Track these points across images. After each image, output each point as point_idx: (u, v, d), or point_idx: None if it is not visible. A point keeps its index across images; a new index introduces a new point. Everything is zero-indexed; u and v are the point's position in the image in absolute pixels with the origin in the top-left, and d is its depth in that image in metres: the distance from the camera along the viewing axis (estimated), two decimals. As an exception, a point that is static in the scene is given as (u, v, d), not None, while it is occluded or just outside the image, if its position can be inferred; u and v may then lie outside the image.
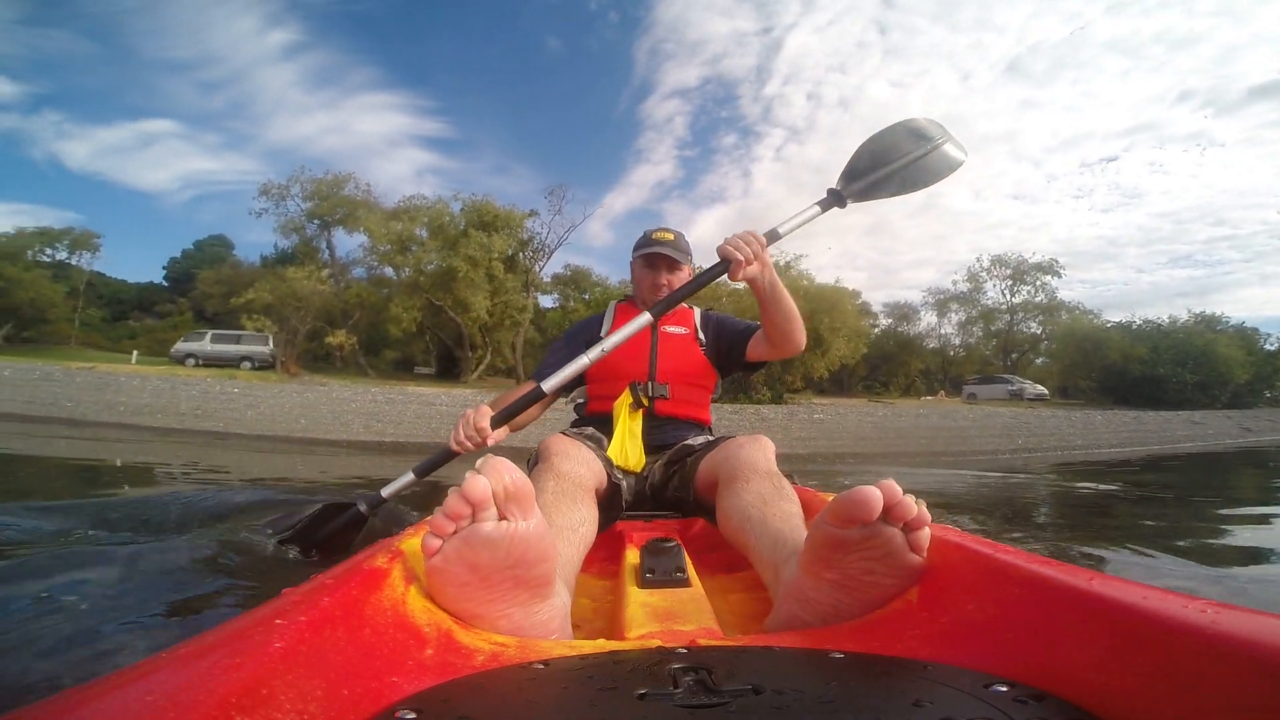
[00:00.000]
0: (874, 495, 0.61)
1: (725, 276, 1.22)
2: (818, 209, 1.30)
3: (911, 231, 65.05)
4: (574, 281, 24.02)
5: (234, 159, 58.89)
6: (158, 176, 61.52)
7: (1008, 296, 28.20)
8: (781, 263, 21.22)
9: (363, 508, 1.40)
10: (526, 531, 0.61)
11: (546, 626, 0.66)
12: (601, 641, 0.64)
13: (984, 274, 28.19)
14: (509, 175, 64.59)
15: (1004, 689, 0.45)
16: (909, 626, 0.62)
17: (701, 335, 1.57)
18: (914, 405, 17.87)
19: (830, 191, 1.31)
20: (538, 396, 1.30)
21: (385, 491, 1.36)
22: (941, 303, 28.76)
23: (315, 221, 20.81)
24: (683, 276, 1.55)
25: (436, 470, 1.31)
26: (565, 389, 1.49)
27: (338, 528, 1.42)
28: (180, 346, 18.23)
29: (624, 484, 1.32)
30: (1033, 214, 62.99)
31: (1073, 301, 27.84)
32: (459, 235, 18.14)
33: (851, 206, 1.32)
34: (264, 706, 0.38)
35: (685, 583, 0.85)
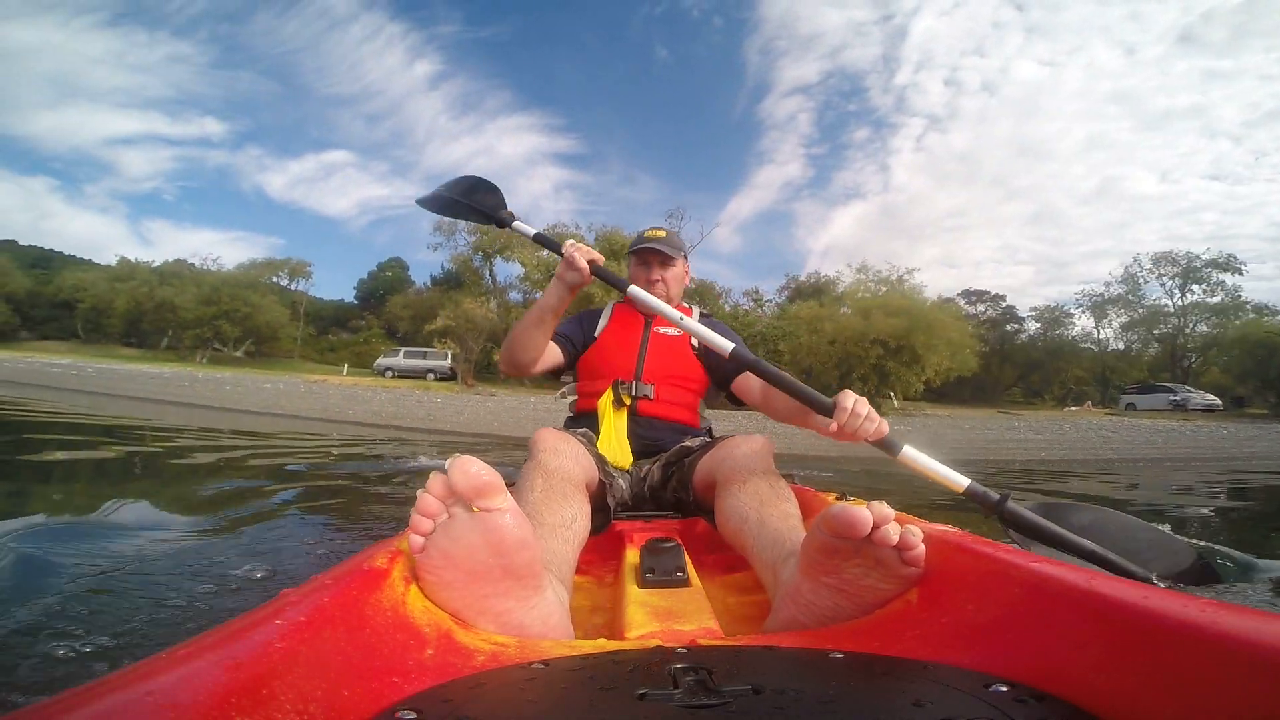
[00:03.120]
0: (863, 517, 0.62)
1: (818, 421, 1.05)
2: (960, 486, 1.02)
3: (1085, 220, 59.59)
4: (698, 294, 25.70)
5: (400, 184, 64.08)
6: (340, 203, 67.75)
7: (1176, 297, 25.14)
8: (893, 278, 21.32)
9: (502, 212, 1.49)
10: (500, 518, 0.61)
11: (546, 622, 0.66)
12: (601, 641, 0.64)
13: (1143, 274, 25.50)
14: (635, 185, 66.65)
15: (1004, 689, 0.45)
16: (909, 627, 0.62)
17: (696, 339, 1.55)
18: (1043, 416, 17.03)
19: (1000, 497, 1.03)
20: (615, 281, 1.35)
21: (515, 223, 1.48)
22: (1097, 305, 26.07)
23: (479, 254, 25.68)
24: (676, 272, 1.58)
25: (544, 246, 1.39)
26: (566, 361, 1.53)
27: (474, 206, 1.51)
28: (381, 361, 22.65)
29: (617, 482, 1.32)
30: (1239, 194, 56.09)
31: (1263, 301, 24.16)
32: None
33: (997, 520, 1.04)
34: (264, 706, 0.38)
35: (685, 583, 0.85)
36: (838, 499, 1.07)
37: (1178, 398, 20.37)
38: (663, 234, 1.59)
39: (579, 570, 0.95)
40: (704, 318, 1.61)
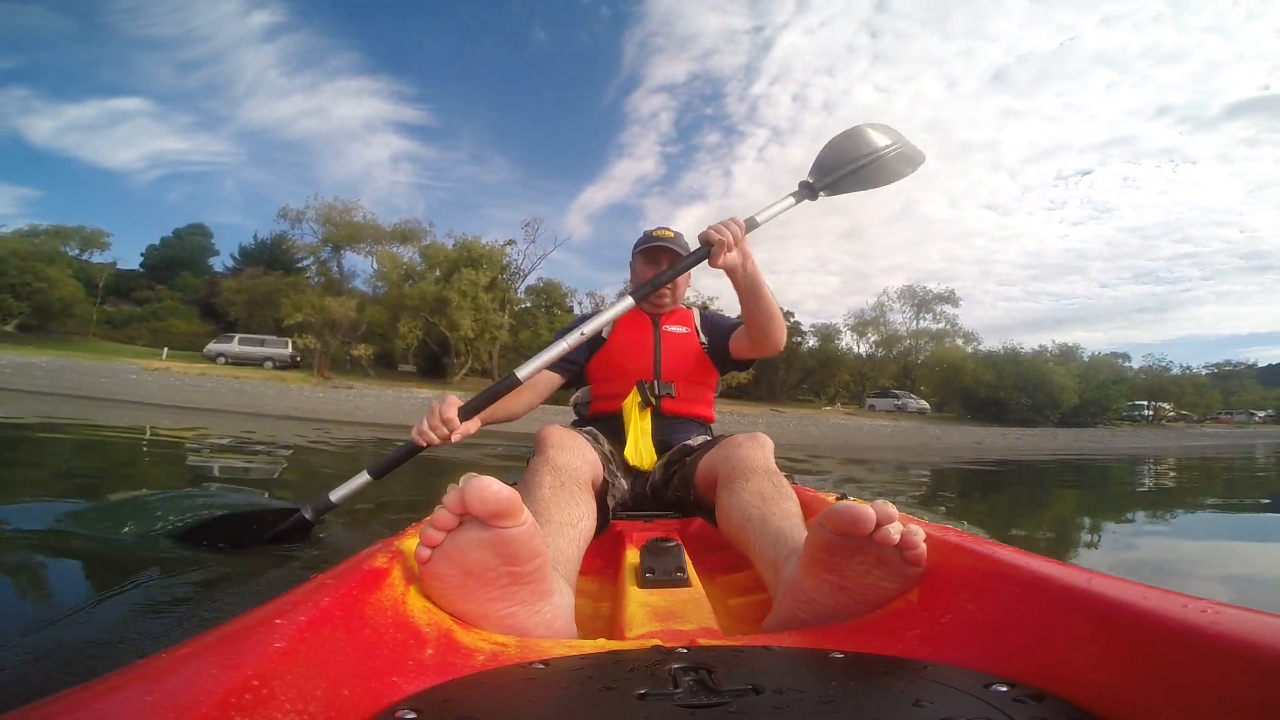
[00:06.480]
0: (866, 515, 0.62)
1: (706, 263, 1.27)
2: (792, 199, 1.37)
3: (887, 237, 66.00)
4: (545, 292, 27.98)
5: (205, 139, 57.85)
6: (123, 155, 60.82)
7: (910, 323, 33.80)
8: (699, 302, 25.91)
9: (308, 514, 1.32)
10: (515, 533, 0.61)
11: (551, 626, 0.66)
12: (601, 641, 0.64)
13: (891, 304, 33.96)
14: (485, 165, 65.01)
15: (1004, 689, 0.45)
16: (909, 626, 0.62)
17: (702, 335, 1.58)
18: (800, 413, 22.24)
19: (803, 184, 1.38)
20: (512, 384, 1.21)
21: (335, 496, 1.27)
22: (859, 326, 33.86)
23: (328, 245, 25.78)
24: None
25: (397, 468, 1.21)
26: (570, 379, 1.55)
27: (278, 533, 1.35)
28: (212, 347, 21.48)
29: (619, 481, 1.32)
30: (1005, 224, 66.03)
31: (969, 329, 33.98)
32: (451, 268, 23.10)
33: (823, 200, 1.40)
34: (264, 706, 0.37)
35: (685, 582, 0.85)
36: (838, 498, 1.07)
37: (900, 402, 27.52)
38: (671, 234, 1.60)
39: (579, 570, 0.95)
40: (704, 312, 1.64)
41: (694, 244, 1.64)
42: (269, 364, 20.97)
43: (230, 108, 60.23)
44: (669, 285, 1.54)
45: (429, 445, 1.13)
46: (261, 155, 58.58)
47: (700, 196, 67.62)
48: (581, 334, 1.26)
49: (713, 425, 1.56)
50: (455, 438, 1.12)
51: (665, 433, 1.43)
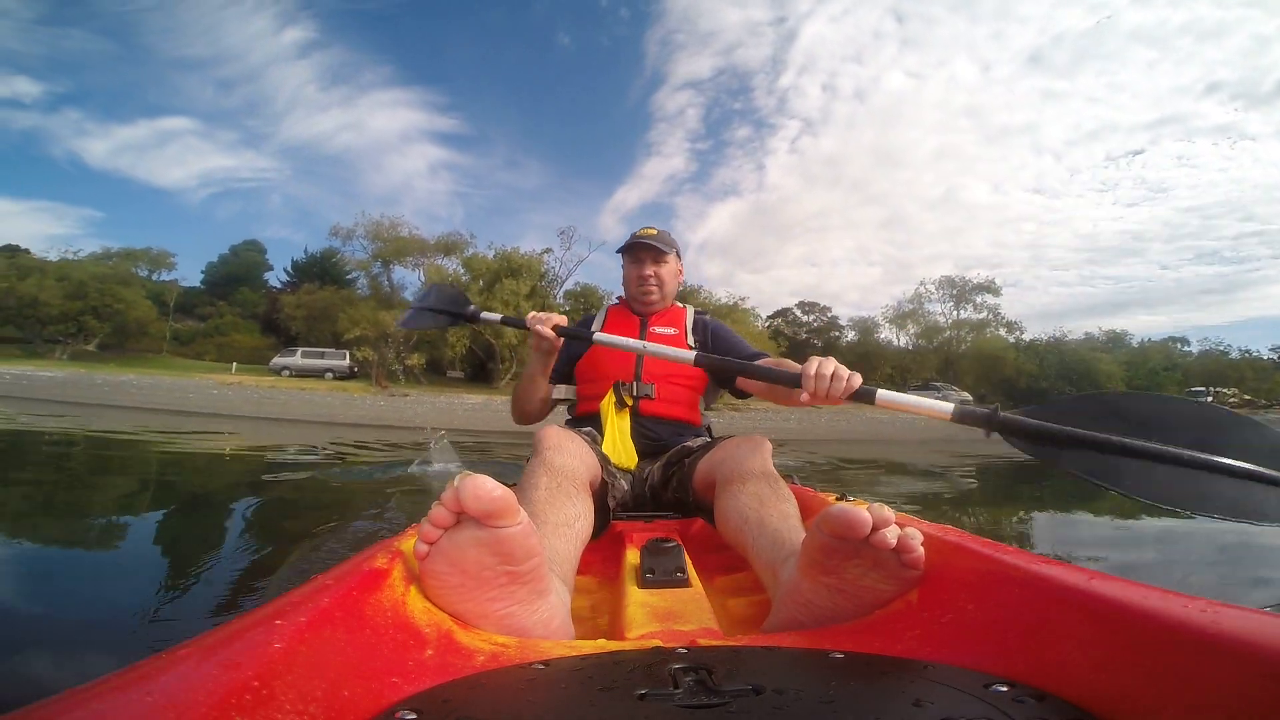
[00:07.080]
0: (862, 519, 0.62)
1: (794, 394, 1.08)
2: (946, 414, 0.96)
3: (929, 225, 63.89)
4: (583, 296, 28.74)
5: (250, 156, 59.03)
6: (175, 174, 62.10)
7: (951, 314, 33.00)
8: (728, 303, 26.70)
9: (470, 309, 1.67)
10: (511, 533, 0.61)
11: (548, 625, 0.66)
12: (602, 642, 0.64)
13: (929, 295, 33.21)
14: (520, 170, 64.91)
15: (1004, 689, 0.45)
16: (909, 626, 0.62)
17: (691, 338, 1.56)
18: (835, 406, 21.80)
19: (988, 411, 0.94)
20: (590, 335, 1.39)
21: (483, 315, 1.65)
22: (898, 318, 33.35)
23: (378, 261, 27.57)
24: (669, 267, 1.59)
25: (512, 327, 1.59)
26: (560, 374, 1.60)
27: (448, 311, 1.70)
28: (277, 360, 22.75)
29: (618, 482, 1.32)
30: (1054, 208, 63.69)
31: (1019, 316, 33.65)
32: (493, 279, 24.47)
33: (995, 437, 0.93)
34: (264, 706, 0.38)
35: (685, 583, 0.85)
36: (838, 499, 1.07)
37: (940, 394, 26.75)
38: (654, 232, 1.61)
39: (579, 570, 0.95)
40: (699, 315, 1.62)
41: (677, 236, 1.67)
42: (329, 375, 22.05)
43: (271, 124, 61.08)
44: (653, 276, 1.56)
45: (533, 329, 1.38)
46: (305, 170, 59.33)
47: (734, 191, 66.78)
48: (616, 342, 1.35)
49: (701, 428, 1.54)
50: (544, 332, 1.35)
51: (646, 433, 1.42)
